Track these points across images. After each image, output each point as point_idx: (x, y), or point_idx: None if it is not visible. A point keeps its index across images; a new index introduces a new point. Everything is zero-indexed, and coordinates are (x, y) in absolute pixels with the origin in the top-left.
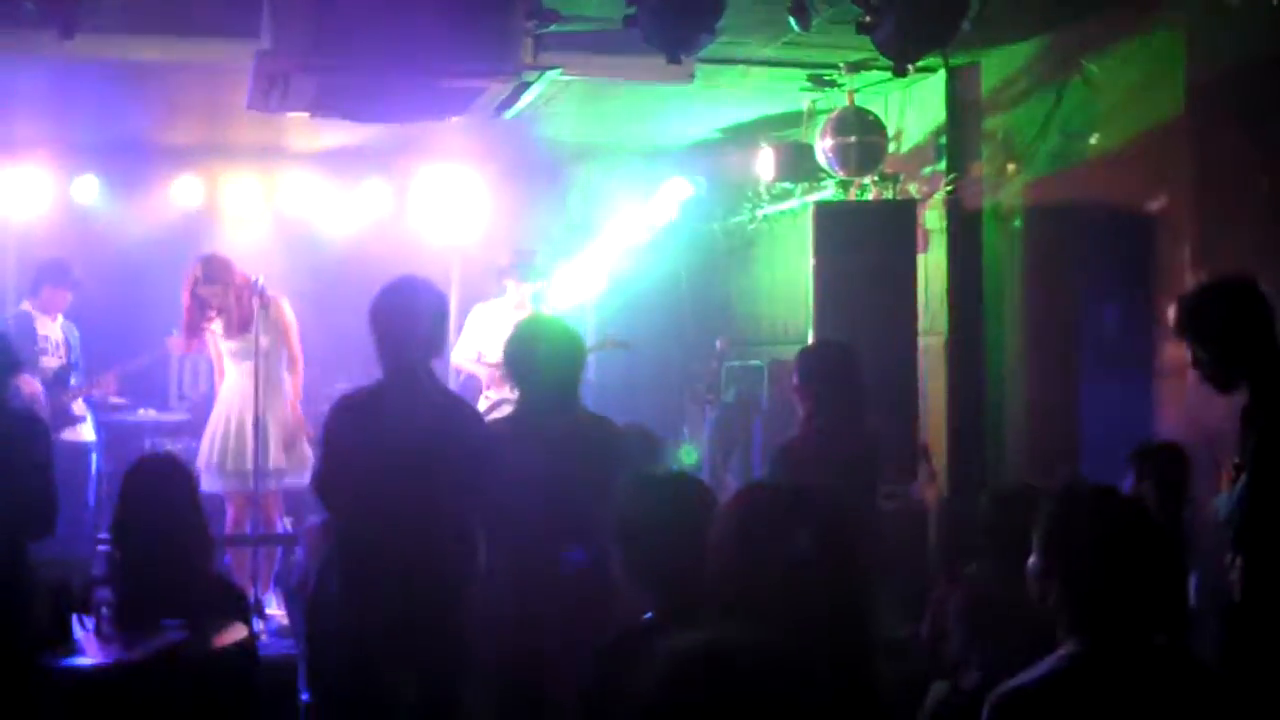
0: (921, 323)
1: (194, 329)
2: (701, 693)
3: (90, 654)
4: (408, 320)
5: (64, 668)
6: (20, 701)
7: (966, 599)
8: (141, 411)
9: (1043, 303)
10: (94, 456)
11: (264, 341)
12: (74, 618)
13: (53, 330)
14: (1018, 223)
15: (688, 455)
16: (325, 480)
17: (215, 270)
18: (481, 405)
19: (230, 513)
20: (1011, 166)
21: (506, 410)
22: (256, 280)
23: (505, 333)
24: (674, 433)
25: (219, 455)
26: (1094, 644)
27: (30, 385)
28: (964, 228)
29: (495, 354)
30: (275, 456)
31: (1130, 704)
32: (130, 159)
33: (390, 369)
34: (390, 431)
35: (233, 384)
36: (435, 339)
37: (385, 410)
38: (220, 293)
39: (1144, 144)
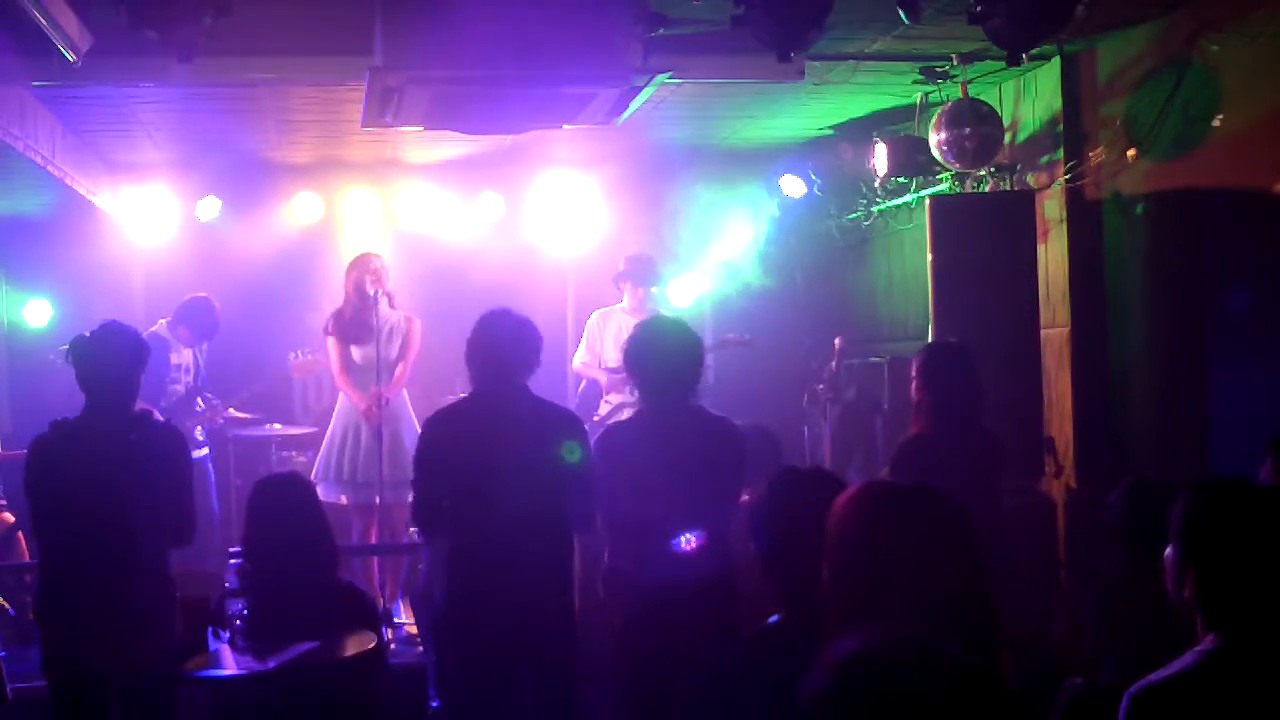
0: (1043, 315)
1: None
2: (868, 697)
3: (225, 665)
4: (492, 344)
5: (201, 678)
6: (162, 712)
7: (1101, 594)
8: (268, 426)
9: (1168, 290)
10: (209, 466)
11: (391, 354)
12: (209, 630)
13: (184, 356)
14: (1140, 210)
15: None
16: (423, 492)
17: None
18: (602, 410)
19: (355, 523)
20: (1131, 153)
21: (627, 414)
22: (375, 294)
23: (623, 336)
24: (794, 432)
25: (346, 467)
26: (1234, 639)
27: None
28: (1084, 217)
29: (614, 358)
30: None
31: (1272, 700)
32: (250, 178)
33: (478, 384)
34: (481, 440)
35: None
36: (524, 359)
37: (475, 421)
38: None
39: (1269, 124)
